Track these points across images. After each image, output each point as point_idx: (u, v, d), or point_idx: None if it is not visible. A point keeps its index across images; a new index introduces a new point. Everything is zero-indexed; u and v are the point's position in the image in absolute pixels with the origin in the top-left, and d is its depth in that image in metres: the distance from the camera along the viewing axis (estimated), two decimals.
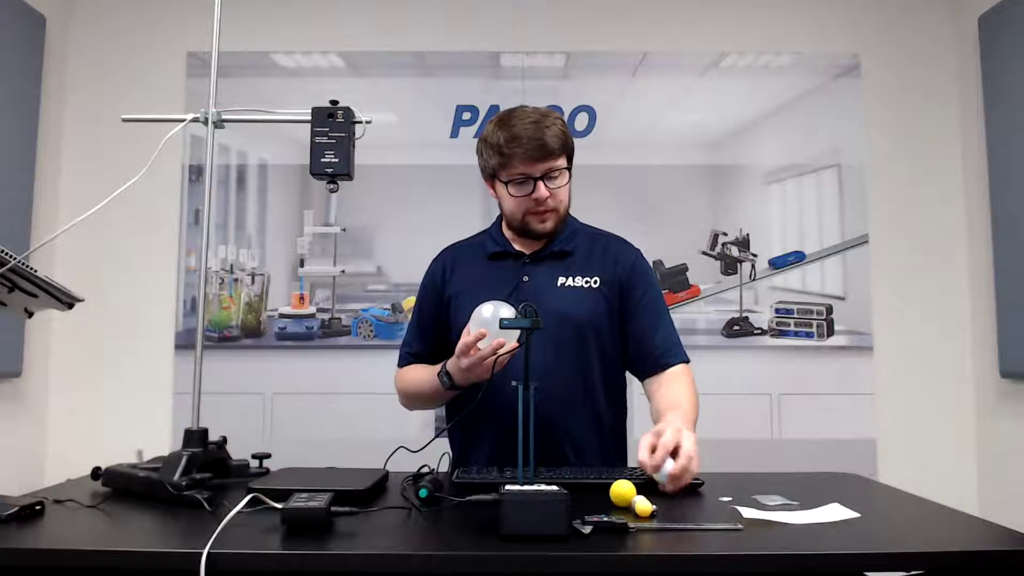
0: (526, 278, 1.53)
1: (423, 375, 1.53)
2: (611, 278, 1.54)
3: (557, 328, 1.44)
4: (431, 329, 1.60)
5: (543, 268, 1.54)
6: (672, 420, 1.28)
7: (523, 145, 1.44)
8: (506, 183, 1.50)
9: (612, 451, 1.56)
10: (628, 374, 1.60)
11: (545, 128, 1.46)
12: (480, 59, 2.91)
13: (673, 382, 1.48)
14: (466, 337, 1.31)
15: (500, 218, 1.62)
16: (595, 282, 1.53)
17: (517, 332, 1.25)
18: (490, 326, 1.29)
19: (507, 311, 1.29)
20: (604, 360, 1.52)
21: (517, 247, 1.57)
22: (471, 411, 1.38)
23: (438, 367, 1.46)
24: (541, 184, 1.47)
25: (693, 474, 1.20)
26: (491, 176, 1.54)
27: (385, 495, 1.24)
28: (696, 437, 1.24)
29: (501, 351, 1.28)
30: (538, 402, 1.11)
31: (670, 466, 1.17)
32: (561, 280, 1.53)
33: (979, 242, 2.75)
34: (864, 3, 2.94)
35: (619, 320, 1.54)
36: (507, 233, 1.59)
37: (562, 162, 1.49)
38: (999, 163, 2.61)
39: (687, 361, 1.53)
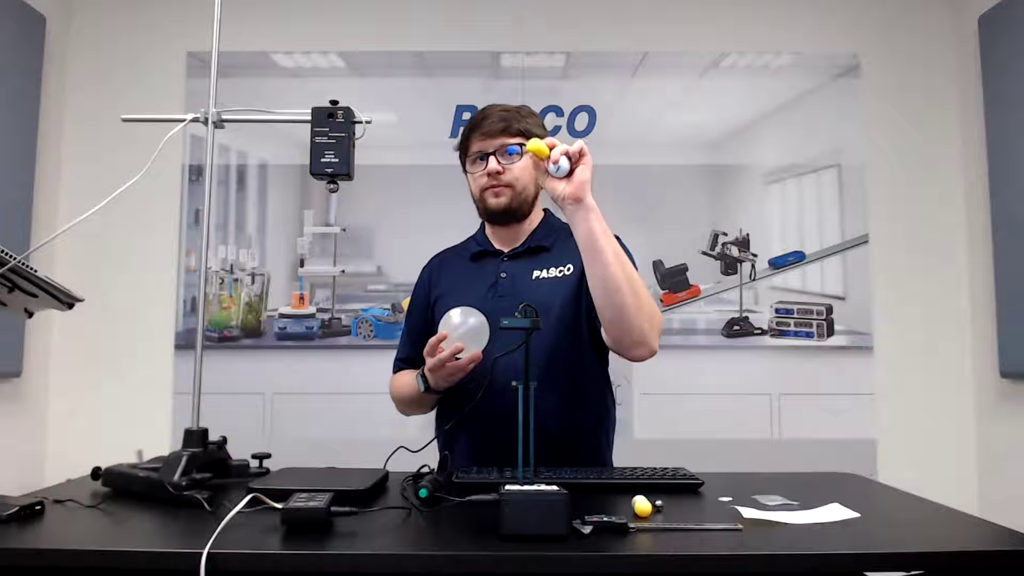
0: (503, 275, 1.55)
1: (408, 379, 1.55)
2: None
3: None
4: (421, 333, 1.61)
5: (520, 264, 1.56)
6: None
7: (480, 125, 1.53)
8: (469, 163, 1.57)
9: (602, 433, 1.56)
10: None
11: (505, 111, 1.54)
12: (480, 59, 2.91)
13: None
14: (432, 340, 1.36)
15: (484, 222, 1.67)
16: (568, 269, 1.53)
17: (482, 340, 1.32)
18: (455, 331, 1.33)
19: (476, 318, 1.33)
20: (583, 345, 1.51)
21: (497, 246, 1.60)
22: (470, 410, 1.38)
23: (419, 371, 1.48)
24: (492, 158, 1.52)
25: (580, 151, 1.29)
26: (464, 169, 1.61)
27: (385, 495, 1.23)
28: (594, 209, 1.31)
29: (462, 356, 1.33)
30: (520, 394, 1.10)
31: (566, 164, 1.28)
32: (536, 273, 1.54)
33: (979, 242, 2.75)
34: (864, 3, 2.94)
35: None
36: (488, 233, 1.63)
37: (517, 141, 1.53)
38: (999, 163, 2.60)
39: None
